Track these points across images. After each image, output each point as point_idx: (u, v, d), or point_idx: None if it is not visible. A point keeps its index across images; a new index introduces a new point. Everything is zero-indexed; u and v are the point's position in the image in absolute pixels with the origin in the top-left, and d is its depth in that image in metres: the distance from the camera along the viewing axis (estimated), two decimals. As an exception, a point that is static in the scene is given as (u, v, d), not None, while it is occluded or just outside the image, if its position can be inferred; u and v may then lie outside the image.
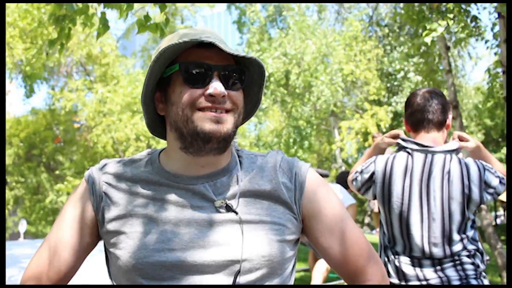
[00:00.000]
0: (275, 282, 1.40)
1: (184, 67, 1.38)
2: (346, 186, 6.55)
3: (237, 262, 1.34)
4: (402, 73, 19.48)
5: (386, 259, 2.84)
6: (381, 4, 18.34)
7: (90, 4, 5.27)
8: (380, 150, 3.14)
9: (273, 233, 1.40)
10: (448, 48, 9.23)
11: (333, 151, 24.54)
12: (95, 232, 1.49)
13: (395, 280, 2.75)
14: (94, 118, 22.36)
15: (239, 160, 1.52)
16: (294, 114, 20.92)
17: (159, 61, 1.39)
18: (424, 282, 2.66)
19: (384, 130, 18.43)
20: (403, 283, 2.71)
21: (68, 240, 1.47)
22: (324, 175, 8.95)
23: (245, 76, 1.43)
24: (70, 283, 1.54)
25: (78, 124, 25.70)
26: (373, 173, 2.87)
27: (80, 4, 5.23)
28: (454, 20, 6.72)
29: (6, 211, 30.60)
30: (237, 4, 23.04)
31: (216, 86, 1.34)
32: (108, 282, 1.53)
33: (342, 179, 6.71)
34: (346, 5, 21.57)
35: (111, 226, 1.43)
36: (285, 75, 19.87)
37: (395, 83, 20.06)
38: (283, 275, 1.43)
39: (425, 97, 2.85)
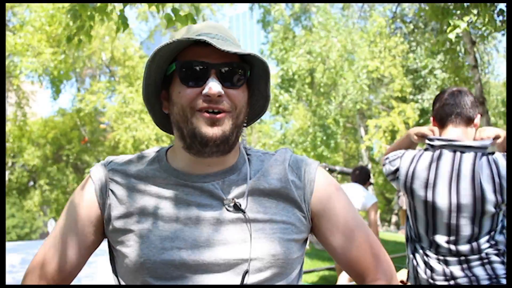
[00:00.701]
0: (283, 282, 1.37)
1: (179, 66, 1.35)
2: (363, 183, 6.54)
3: (246, 261, 1.32)
4: (427, 70, 19.20)
5: (413, 251, 2.82)
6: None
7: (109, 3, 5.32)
8: (410, 143, 3.09)
9: (283, 232, 1.37)
10: (473, 43, 9.08)
11: (359, 149, 24.40)
12: (100, 230, 1.46)
13: (423, 274, 2.72)
14: (117, 119, 22.59)
15: (248, 158, 1.48)
16: (319, 112, 20.82)
17: (156, 60, 1.35)
18: (452, 281, 2.60)
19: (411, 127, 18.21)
20: (431, 280, 2.67)
21: (72, 238, 1.44)
22: (349, 174, 8.90)
23: (246, 73, 1.38)
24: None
25: (105, 125, 25.98)
26: (397, 169, 2.86)
27: (98, 4, 5.28)
28: (478, 15, 6.58)
29: (38, 213, 31.10)
30: (261, 3, 22.98)
31: (211, 86, 1.29)
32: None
33: (359, 177, 6.64)
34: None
35: (117, 224, 1.40)
36: (309, 74, 19.79)
37: (421, 80, 19.80)
38: (291, 275, 1.40)
39: (454, 93, 2.83)
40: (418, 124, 19.55)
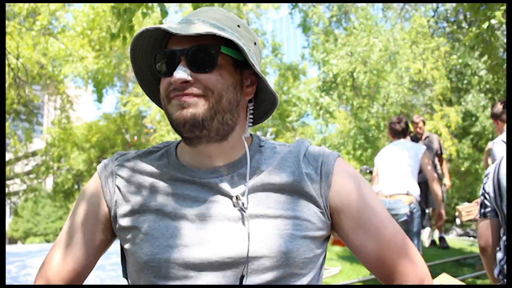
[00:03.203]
0: (300, 283, 1.29)
1: (154, 58, 1.33)
2: (404, 136, 6.08)
3: (255, 258, 1.24)
4: (470, 71, 18.59)
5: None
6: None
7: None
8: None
9: (295, 229, 1.28)
10: (515, 39, 8.71)
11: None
12: (108, 228, 1.42)
13: None
14: (161, 121, 22.86)
15: (261, 150, 1.40)
16: (360, 115, 20.52)
17: (137, 54, 1.36)
18: None
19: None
20: None
21: (81, 237, 1.41)
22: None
23: (216, 54, 1.28)
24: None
25: (150, 128, 26.33)
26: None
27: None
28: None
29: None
30: (300, 6, 22.85)
31: (175, 74, 1.25)
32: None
33: (401, 130, 6.08)
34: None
35: (124, 222, 1.36)
36: (350, 76, 19.56)
37: (465, 81, 19.21)
38: (308, 276, 1.31)
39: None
40: (462, 127, 19.01)
